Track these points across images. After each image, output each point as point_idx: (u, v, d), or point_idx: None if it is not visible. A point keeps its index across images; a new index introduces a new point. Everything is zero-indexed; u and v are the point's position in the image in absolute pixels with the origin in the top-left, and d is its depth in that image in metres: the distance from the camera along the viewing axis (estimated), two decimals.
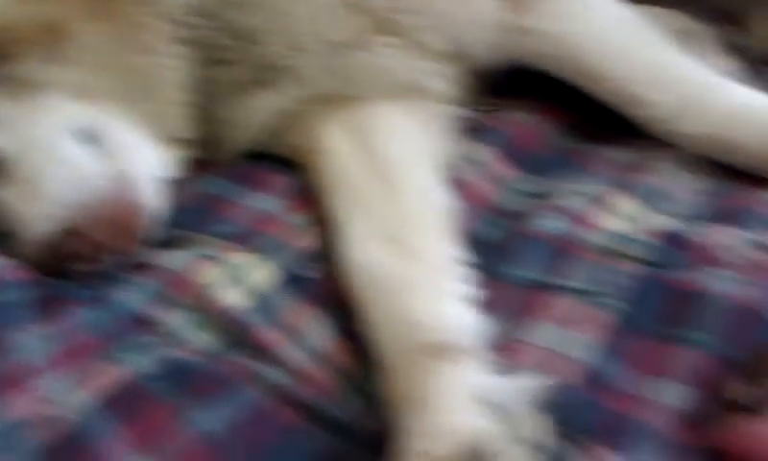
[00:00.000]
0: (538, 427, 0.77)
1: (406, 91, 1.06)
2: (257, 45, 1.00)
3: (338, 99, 1.04)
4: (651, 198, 1.06)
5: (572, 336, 0.87)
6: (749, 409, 0.76)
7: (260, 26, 1.00)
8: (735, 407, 0.77)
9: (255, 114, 1.03)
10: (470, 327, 0.83)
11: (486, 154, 1.11)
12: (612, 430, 0.80)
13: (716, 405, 0.80)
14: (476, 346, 0.82)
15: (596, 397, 0.82)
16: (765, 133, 1.07)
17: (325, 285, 0.92)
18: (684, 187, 1.08)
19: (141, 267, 0.92)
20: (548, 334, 0.88)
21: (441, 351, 0.78)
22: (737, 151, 1.08)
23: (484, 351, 0.83)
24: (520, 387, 0.78)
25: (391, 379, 0.80)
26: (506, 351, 0.86)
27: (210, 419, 0.77)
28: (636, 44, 1.11)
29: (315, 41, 1.00)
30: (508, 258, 0.97)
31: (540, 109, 1.18)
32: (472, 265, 0.94)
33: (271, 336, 0.85)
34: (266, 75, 1.02)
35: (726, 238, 0.98)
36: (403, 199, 0.95)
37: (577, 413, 0.81)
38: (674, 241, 0.98)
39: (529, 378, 0.80)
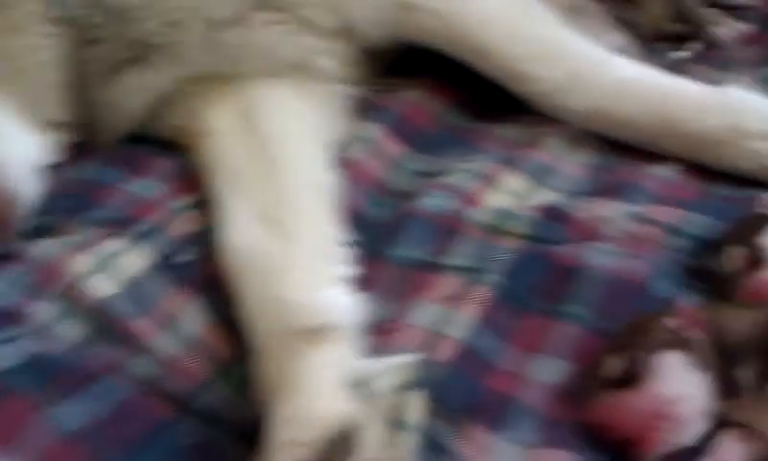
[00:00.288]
0: (411, 409, 0.77)
1: (293, 70, 1.04)
2: (131, 22, 0.96)
3: (220, 78, 1.01)
4: (537, 174, 1.06)
5: (453, 315, 0.87)
6: (620, 382, 0.77)
7: (133, 2, 0.96)
8: (608, 380, 0.78)
9: (134, 95, 1.00)
10: (347, 309, 0.82)
11: (375, 132, 1.09)
12: (490, 409, 0.80)
13: (591, 379, 0.81)
14: (352, 328, 0.81)
15: (474, 375, 0.82)
16: (652, 108, 1.07)
17: (204, 270, 0.89)
18: (571, 163, 1.08)
19: (10, 257, 0.88)
20: (429, 314, 0.87)
21: (312, 334, 0.77)
22: (624, 126, 1.08)
23: (361, 334, 0.82)
24: (395, 368, 0.77)
25: (263, 365, 0.78)
26: (386, 333, 0.85)
27: (74, 414, 0.75)
28: (523, 21, 1.10)
29: (193, 18, 0.97)
30: (393, 238, 0.96)
31: (431, 88, 1.17)
32: (355, 246, 0.92)
33: (141, 325, 0.83)
34: (142, 54, 0.98)
35: (608, 212, 0.99)
36: (284, 179, 0.93)
37: (454, 392, 0.80)
38: (556, 216, 0.98)
39: (405, 359, 0.79)
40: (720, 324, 0.79)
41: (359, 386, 0.74)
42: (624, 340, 0.79)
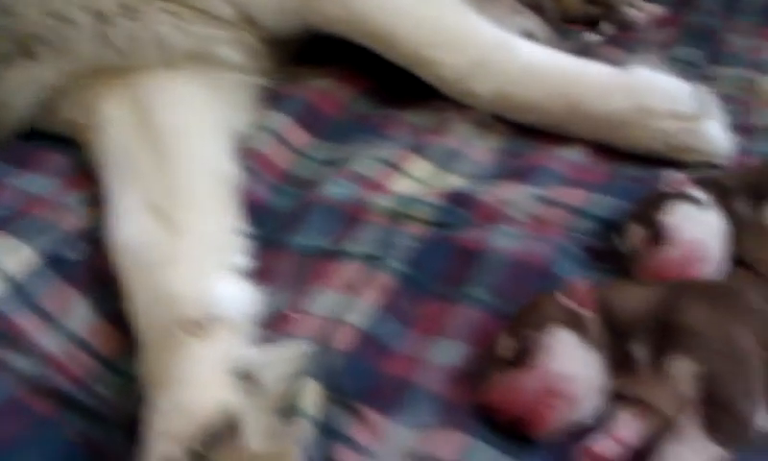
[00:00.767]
0: (304, 397, 0.75)
1: (191, 60, 1.02)
2: (16, 16, 0.93)
3: (114, 70, 0.99)
4: (444, 159, 1.05)
5: (352, 302, 0.85)
6: (512, 361, 0.76)
7: None
8: (501, 360, 0.77)
9: (22, 91, 0.96)
10: (237, 299, 0.80)
11: (280, 122, 1.08)
12: (387, 393, 0.78)
13: (488, 361, 0.79)
14: (243, 319, 0.79)
15: (372, 361, 0.80)
16: (557, 91, 1.07)
17: (93, 266, 0.86)
18: (479, 148, 1.07)
19: None
20: (329, 302, 0.85)
21: (196, 325, 0.75)
22: (530, 110, 1.08)
23: (254, 324, 0.80)
24: (287, 357, 0.75)
25: (146, 357, 0.76)
26: (283, 322, 0.83)
27: None
28: (428, 6, 1.09)
29: (80, 10, 0.94)
30: (294, 227, 0.94)
31: (339, 76, 1.16)
32: (254, 236, 0.91)
33: (24, 323, 0.80)
34: (29, 48, 0.95)
35: (513, 195, 0.98)
36: (176, 171, 0.90)
37: (351, 379, 0.78)
38: (461, 201, 0.97)
39: (298, 348, 0.78)
40: (615, 301, 0.78)
41: (246, 376, 0.72)
42: (517, 320, 0.79)
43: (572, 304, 0.77)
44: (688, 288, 0.79)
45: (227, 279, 0.81)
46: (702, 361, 0.72)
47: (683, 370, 0.72)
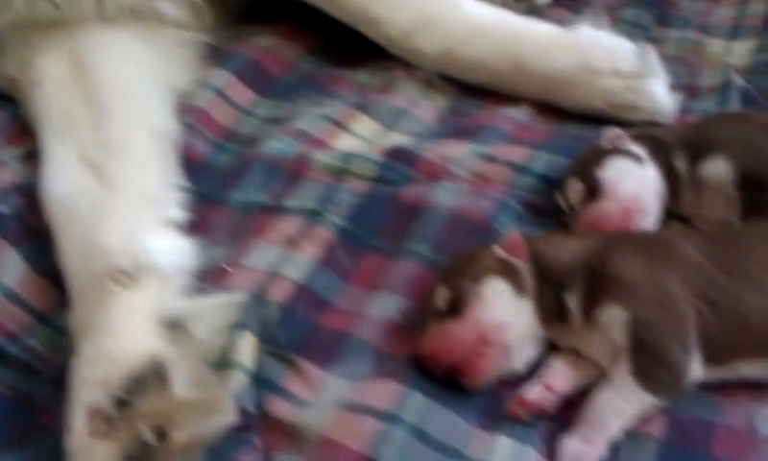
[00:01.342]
0: (238, 348, 0.75)
1: (132, 15, 1.00)
2: None
3: (52, 25, 0.97)
4: (390, 118, 1.04)
5: (291, 256, 0.85)
6: (446, 312, 0.76)
7: None
8: (436, 311, 0.77)
9: None
10: (170, 251, 0.79)
11: (223, 79, 1.06)
12: (324, 346, 0.78)
13: (424, 312, 0.80)
14: (175, 270, 0.78)
15: (309, 314, 0.80)
16: (502, 50, 1.07)
17: (26, 220, 0.85)
18: (425, 106, 1.07)
19: None
20: (267, 256, 0.85)
21: (125, 274, 0.74)
22: (475, 68, 1.07)
23: (186, 276, 0.80)
24: (219, 309, 0.75)
25: (76, 307, 0.75)
26: (220, 276, 0.83)
27: None
28: None
29: None
30: (235, 183, 0.93)
31: (286, 34, 1.14)
32: (191, 191, 0.90)
33: None
34: None
35: (457, 152, 0.98)
36: (113, 125, 0.89)
37: (288, 331, 0.78)
38: (404, 158, 0.97)
39: (233, 299, 0.77)
40: (548, 252, 0.78)
41: (175, 326, 0.72)
42: (452, 270, 0.79)
43: (506, 255, 0.78)
44: (621, 239, 0.80)
45: (160, 232, 0.81)
46: (632, 309, 0.72)
47: (613, 318, 0.73)
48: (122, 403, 0.65)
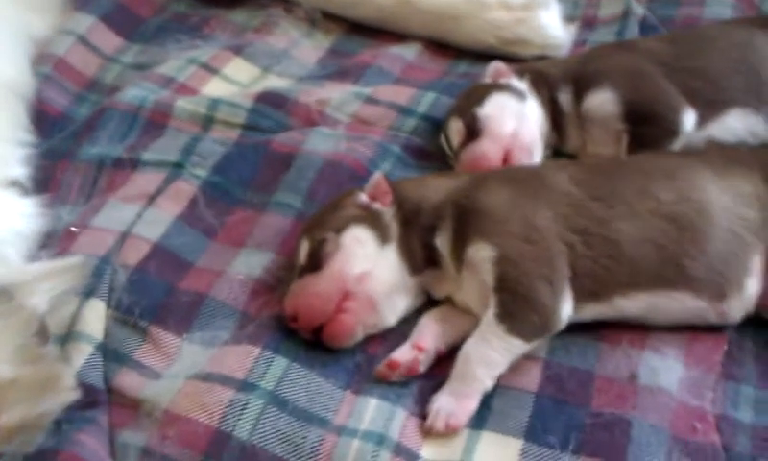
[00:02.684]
0: (77, 318, 0.68)
1: None
2: None
3: None
4: (267, 60, 0.97)
5: (148, 214, 0.78)
6: (307, 267, 0.70)
7: None
8: (299, 267, 0.71)
9: None
10: (5, 214, 0.72)
11: (86, 24, 0.98)
12: (181, 310, 0.71)
13: (289, 269, 0.74)
14: (8, 234, 0.71)
15: (166, 276, 0.73)
16: None
17: None
18: (305, 47, 1.00)
19: None
20: (121, 214, 0.77)
21: None
22: (362, 5, 1.01)
23: (26, 239, 0.72)
24: (56, 275, 0.67)
25: None
26: (66, 238, 0.76)
27: None
28: None
29: None
30: (88, 136, 0.86)
31: None
32: (41, 147, 0.82)
33: None
34: None
35: (335, 95, 0.91)
36: None
37: (140, 297, 0.71)
38: (278, 102, 0.89)
39: (74, 264, 0.70)
40: (416, 193, 0.72)
41: (0, 295, 0.64)
42: (314, 221, 0.73)
43: (368, 201, 0.72)
44: (490, 175, 0.74)
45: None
46: (498, 245, 0.67)
47: (481, 255, 0.67)
48: None
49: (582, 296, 0.67)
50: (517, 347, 0.65)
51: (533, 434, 0.63)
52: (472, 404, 0.65)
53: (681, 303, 0.68)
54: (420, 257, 0.70)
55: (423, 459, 0.63)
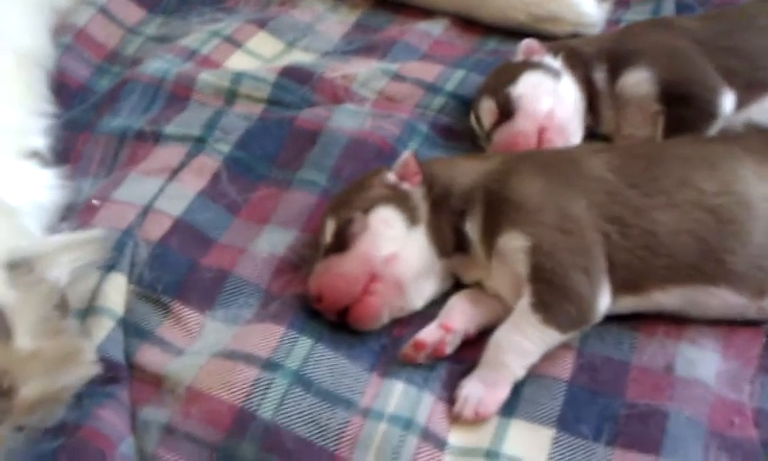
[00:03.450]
0: (99, 292, 0.67)
1: None
2: None
3: None
4: (292, 34, 0.95)
5: (171, 189, 0.76)
6: (332, 247, 0.68)
7: None
8: (325, 246, 0.69)
9: None
10: (24, 185, 0.70)
11: None
12: (203, 287, 0.70)
13: (314, 248, 0.72)
14: (28, 205, 0.69)
15: (188, 252, 0.72)
16: None
17: None
18: (331, 22, 0.98)
19: None
20: (143, 188, 0.76)
21: None
22: None
23: (46, 211, 0.71)
24: (77, 248, 0.66)
25: None
26: (89, 211, 0.74)
27: None
28: None
29: None
30: (110, 108, 0.84)
31: None
32: (62, 118, 0.81)
33: None
34: None
35: (361, 70, 0.89)
36: None
37: (162, 272, 0.70)
38: (303, 78, 0.87)
39: (95, 237, 0.68)
40: (446, 175, 0.70)
41: (20, 267, 0.63)
42: (340, 200, 0.71)
43: (397, 180, 0.70)
44: (522, 159, 0.71)
45: (13, 164, 0.71)
46: (532, 235, 0.64)
47: (513, 245, 0.65)
48: None
49: (618, 288, 0.65)
50: (552, 338, 0.63)
51: (565, 423, 0.61)
52: (503, 393, 0.63)
53: (720, 298, 0.65)
54: (450, 241, 0.69)
55: (451, 445, 0.61)
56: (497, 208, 0.67)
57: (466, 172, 0.70)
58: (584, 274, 0.63)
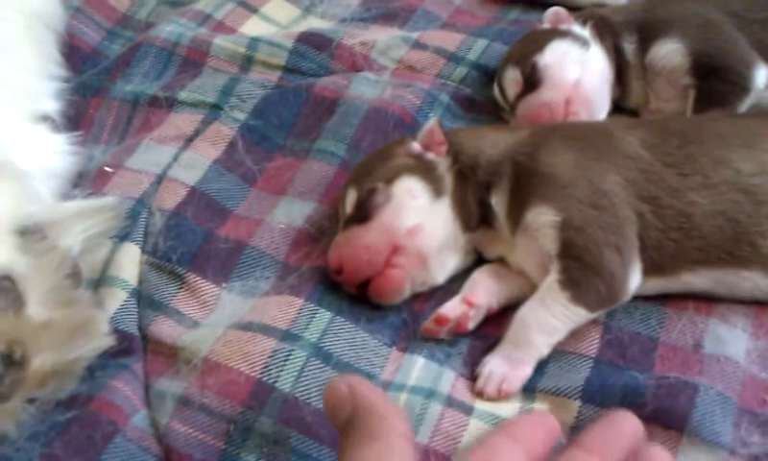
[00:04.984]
0: (112, 262, 0.65)
1: None
2: None
3: None
4: (309, 1, 0.93)
5: (185, 157, 0.74)
6: (354, 218, 0.66)
7: None
8: (346, 218, 0.67)
9: None
10: (35, 150, 0.68)
11: None
12: (220, 258, 0.68)
13: (333, 220, 0.70)
14: (40, 171, 0.67)
15: (205, 223, 0.70)
16: None
17: None
18: None
19: None
20: (157, 156, 0.74)
21: None
22: None
23: (57, 177, 0.69)
24: (89, 215, 0.64)
25: None
26: (101, 178, 0.72)
27: None
28: None
29: None
30: (123, 72, 0.82)
31: None
32: (73, 82, 0.79)
33: None
34: None
35: (381, 38, 0.86)
36: None
37: (180, 242, 0.68)
38: (321, 44, 0.85)
39: (107, 205, 0.66)
40: (472, 146, 0.68)
41: (31, 233, 0.61)
42: (362, 169, 0.69)
43: (421, 150, 0.68)
44: (552, 130, 0.69)
45: (24, 127, 0.69)
46: (562, 210, 0.62)
47: (542, 220, 0.62)
48: None
49: (647, 269, 0.62)
50: (580, 316, 0.61)
51: (590, 396, 0.59)
52: (527, 370, 0.61)
53: (751, 281, 0.63)
54: (475, 214, 0.66)
55: (478, 409, 0.59)
56: (526, 182, 0.64)
57: (493, 143, 0.67)
58: (616, 251, 0.61)
